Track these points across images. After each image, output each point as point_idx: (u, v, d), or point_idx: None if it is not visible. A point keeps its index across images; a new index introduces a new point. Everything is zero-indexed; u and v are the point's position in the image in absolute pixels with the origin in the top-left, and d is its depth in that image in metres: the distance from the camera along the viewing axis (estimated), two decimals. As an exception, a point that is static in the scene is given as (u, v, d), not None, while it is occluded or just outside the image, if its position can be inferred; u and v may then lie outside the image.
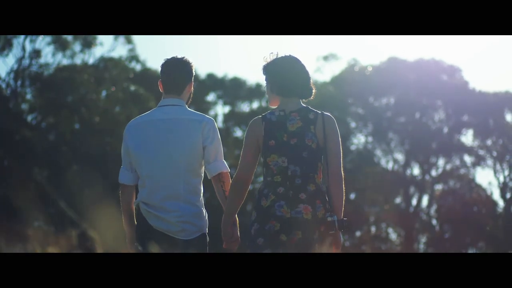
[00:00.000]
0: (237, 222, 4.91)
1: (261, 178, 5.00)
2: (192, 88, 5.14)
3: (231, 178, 4.93)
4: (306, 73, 4.93)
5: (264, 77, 5.00)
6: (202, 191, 5.02)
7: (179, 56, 5.10)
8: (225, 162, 4.98)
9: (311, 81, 4.94)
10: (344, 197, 4.83)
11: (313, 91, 4.94)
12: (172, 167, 4.90)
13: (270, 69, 4.94)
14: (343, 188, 4.83)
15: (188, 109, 5.05)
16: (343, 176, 4.83)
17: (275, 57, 4.96)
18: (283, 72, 4.89)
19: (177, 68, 5.08)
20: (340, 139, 4.84)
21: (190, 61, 5.10)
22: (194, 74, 5.15)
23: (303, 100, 4.94)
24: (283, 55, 4.95)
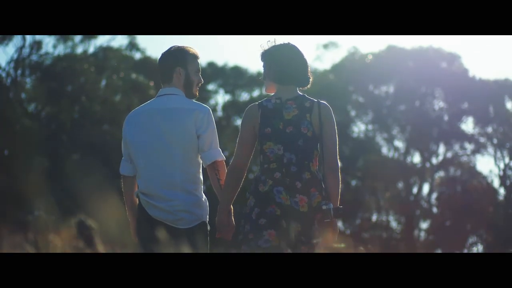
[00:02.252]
0: (232, 210, 4.91)
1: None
2: (185, 74, 5.03)
3: (227, 166, 4.93)
4: (304, 61, 4.92)
5: (262, 64, 5.00)
6: (201, 179, 5.01)
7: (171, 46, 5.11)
8: (220, 151, 4.96)
9: (309, 69, 4.94)
10: (340, 185, 4.82)
11: (310, 79, 4.94)
12: (167, 156, 4.90)
13: (268, 56, 4.93)
14: (339, 176, 4.82)
15: (185, 97, 5.02)
16: (339, 164, 4.82)
17: (272, 44, 4.95)
18: (281, 59, 4.88)
19: (163, 58, 5.08)
20: (336, 127, 4.84)
21: (180, 47, 5.06)
22: (186, 59, 5.03)
23: (301, 88, 4.94)
24: (282, 43, 4.95)
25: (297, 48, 4.93)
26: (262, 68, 4.99)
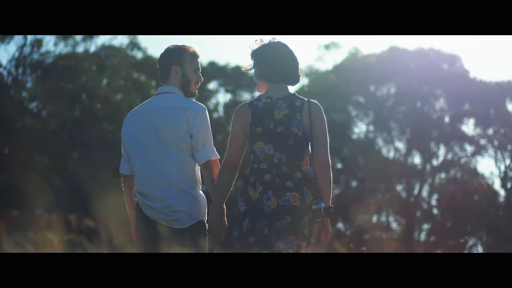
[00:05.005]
0: (225, 210, 4.89)
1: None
2: (182, 72, 5.01)
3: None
4: (294, 58, 4.91)
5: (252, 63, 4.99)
6: (198, 178, 4.97)
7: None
8: (214, 149, 4.93)
9: (298, 66, 4.93)
10: (332, 184, 4.81)
11: (300, 77, 4.94)
12: (162, 155, 4.89)
13: (258, 54, 4.92)
14: (331, 175, 4.79)
15: (180, 96, 5.00)
16: (330, 163, 4.80)
17: (261, 43, 4.94)
18: (271, 57, 4.87)
19: (161, 56, 5.09)
20: (326, 126, 4.83)
21: (177, 45, 5.05)
22: (183, 57, 5.02)
23: (291, 85, 4.93)
24: (271, 41, 4.94)
25: (287, 46, 4.92)
26: (253, 68, 4.98)
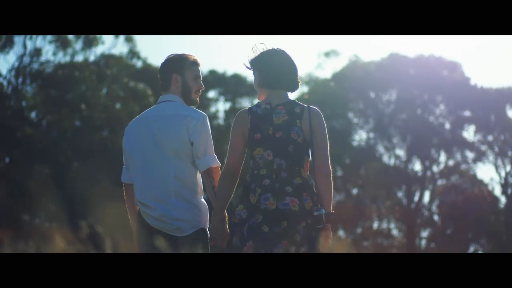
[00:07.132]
0: (226, 217, 4.87)
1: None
2: (183, 80, 5.01)
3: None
4: (293, 65, 4.91)
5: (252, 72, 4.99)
6: (199, 185, 4.97)
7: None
8: (215, 157, 4.92)
9: (297, 73, 4.93)
10: (332, 190, 4.79)
11: (299, 84, 4.94)
12: (161, 163, 4.89)
13: (257, 61, 4.92)
14: (331, 181, 4.77)
15: (181, 104, 5.01)
16: (330, 169, 4.78)
17: (260, 51, 4.94)
18: (271, 63, 4.87)
19: (162, 65, 5.10)
20: (326, 133, 4.81)
21: (178, 54, 5.06)
22: (183, 66, 5.02)
23: (290, 92, 4.93)
24: (269, 48, 4.94)
25: (286, 53, 4.92)
26: (253, 75, 4.98)
